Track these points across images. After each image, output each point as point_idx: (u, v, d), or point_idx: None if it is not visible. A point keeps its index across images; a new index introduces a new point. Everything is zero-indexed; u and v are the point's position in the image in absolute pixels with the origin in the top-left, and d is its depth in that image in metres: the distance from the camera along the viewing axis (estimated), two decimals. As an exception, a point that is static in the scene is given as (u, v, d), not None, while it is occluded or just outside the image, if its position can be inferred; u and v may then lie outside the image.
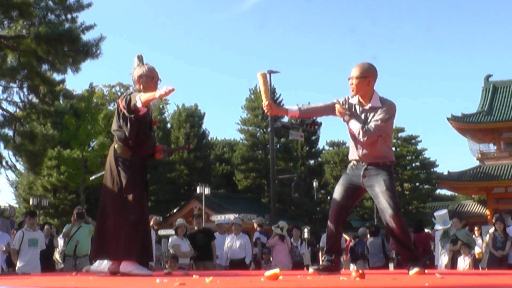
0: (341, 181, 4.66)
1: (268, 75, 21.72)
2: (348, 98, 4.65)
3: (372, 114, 4.48)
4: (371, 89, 4.54)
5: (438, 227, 11.21)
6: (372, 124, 4.41)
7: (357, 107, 4.57)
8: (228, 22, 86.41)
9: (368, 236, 12.63)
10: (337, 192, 4.63)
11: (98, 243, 4.78)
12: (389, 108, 4.47)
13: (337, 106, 4.61)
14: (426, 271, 4.34)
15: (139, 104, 4.47)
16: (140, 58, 4.93)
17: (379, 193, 4.41)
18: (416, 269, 4.26)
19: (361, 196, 4.69)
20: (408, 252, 4.43)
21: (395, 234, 4.41)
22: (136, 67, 4.90)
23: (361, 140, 4.44)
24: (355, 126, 4.47)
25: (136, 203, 4.65)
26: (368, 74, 4.51)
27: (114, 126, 4.80)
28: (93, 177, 5.87)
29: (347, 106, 4.62)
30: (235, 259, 10.73)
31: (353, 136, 4.56)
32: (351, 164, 4.64)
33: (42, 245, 9.45)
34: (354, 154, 4.62)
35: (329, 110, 4.68)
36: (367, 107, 4.53)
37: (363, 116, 4.52)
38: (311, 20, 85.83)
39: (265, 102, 4.58)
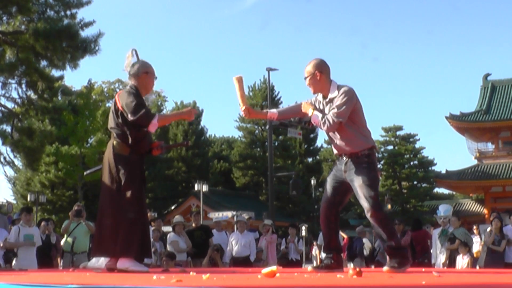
0: (328, 179, 4.71)
1: (263, 70, 21.50)
2: (317, 96, 4.71)
3: (331, 105, 4.50)
4: (325, 82, 4.56)
5: (440, 213, 11.32)
6: (330, 113, 4.42)
7: (323, 102, 4.61)
8: (229, 19, 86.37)
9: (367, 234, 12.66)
10: (325, 190, 4.70)
11: (97, 241, 4.78)
12: (343, 93, 4.43)
13: (303, 104, 4.65)
14: (404, 269, 4.30)
15: (153, 127, 4.64)
16: (136, 53, 4.92)
17: (357, 188, 4.42)
18: (386, 268, 4.27)
19: (349, 191, 4.62)
20: (388, 247, 4.41)
21: (375, 228, 4.42)
22: (136, 62, 4.88)
23: (324, 130, 4.48)
24: (316, 119, 4.50)
25: (135, 200, 4.65)
26: (313, 70, 4.56)
27: (111, 123, 4.78)
28: (88, 172, 5.86)
29: (316, 105, 4.66)
30: (239, 257, 10.70)
31: (327, 132, 4.59)
32: (336, 160, 4.69)
33: (38, 241, 9.44)
34: (334, 149, 4.67)
35: (302, 110, 4.74)
36: (327, 99, 4.56)
37: (326, 109, 4.54)
38: (312, 20, 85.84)
39: (242, 107, 4.62)
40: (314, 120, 4.52)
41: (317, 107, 4.66)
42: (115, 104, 4.74)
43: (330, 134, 4.55)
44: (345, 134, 4.47)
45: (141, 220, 4.72)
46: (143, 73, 4.84)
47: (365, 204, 4.36)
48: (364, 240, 12.69)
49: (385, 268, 4.27)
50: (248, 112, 4.66)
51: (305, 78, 4.61)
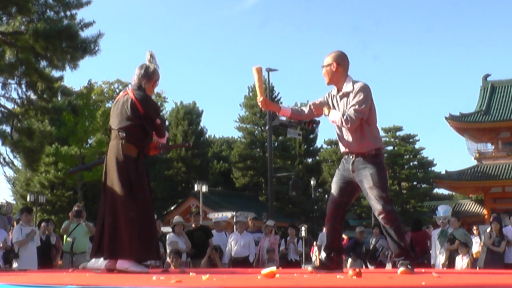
0: (335, 178, 4.67)
1: (263, 70, 21.71)
2: (331, 92, 4.69)
3: (347, 100, 4.47)
4: (341, 75, 4.54)
5: (439, 214, 11.34)
6: (350, 109, 4.38)
7: (337, 97, 4.59)
8: (229, 19, 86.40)
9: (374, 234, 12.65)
10: (332, 190, 4.65)
11: (109, 242, 4.64)
12: (361, 89, 4.41)
13: (324, 109, 4.62)
14: (414, 270, 4.28)
15: (165, 138, 4.91)
16: (154, 56, 4.91)
17: (367, 189, 4.38)
18: (402, 269, 4.22)
19: (356, 191, 4.60)
20: (398, 248, 4.37)
21: (386, 229, 4.39)
22: (154, 67, 4.87)
23: (347, 126, 4.41)
24: (336, 116, 4.45)
25: (146, 201, 4.67)
26: (331, 61, 4.55)
27: (121, 123, 4.70)
28: (72, 170, 5.86)
29: (330, 99, 4.64)
30: (238, 257, 10.68)
31: (338, 129, 4.57)
32: (342, 158, 4.66)
33: (37, 241, 9.44)
34: (342, 147, 4.64)
35: (314, 111, 4.73)
36: (341, 93, 4.54)
37: (341, 103, 4.52)
38: (312, 19, 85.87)
39: (259, 97, 4.64)
40: (333, 119, 4.47)
41: (331, 102, 4.63)
42: (134, 105, 4.66)
43: (343, 131, 4.51)
44: (357, 132, 4.43)
45: (152, 221, 4.76)
46: (156, 81, 4.87)
47: (376, 205, 4.33)
48: (372, 241, 12.66)
49: (402, 269, 4.23)
50: (265, 103, 4.66)
51: (322, 67, 4.60)
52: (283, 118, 18.72)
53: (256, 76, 4.65)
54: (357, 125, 4.38)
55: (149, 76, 4.83)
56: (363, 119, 4.36)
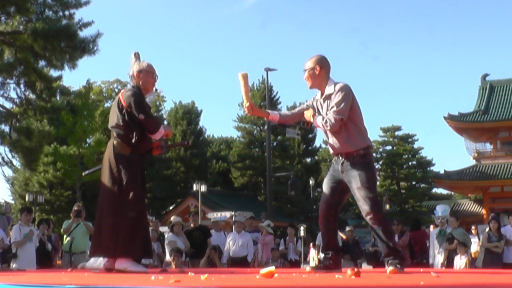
0: (325, 179, 4.70)
1: (262, 69, 21.49)
2: (315, 96, 4.71)
3: (329, 102, 4.49)
4: (324, 78, 4.57)
5: (438, 214, 11.36)
6: (329, 112, 4.41)
7: (320, 100, 4.61)
8: (229, 19, 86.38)
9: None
10: (324, 190, 4.69)
11: (97, 240, 4.73)
12: (340, 90, 4.42)
13: (305, 113, 4.64)
14: (404, 270, 4.31)
15: (159, 134, 4.75)
16: (137, 55, 4.92)
17: (355, 189, 4.41)
18: (391, 268, 4.24)
19: (347, 190, 4.60)
20: (387, 247, 4.39)
21: (374, 230, 4.42)
22: (134, 64, 4.89)
23: (327, 129, 4.43)
24: (318, 121, 4.47)
25: (137, 200, 4.65)
26: (313, 65, 4.57)
27: (113, 122, 4.74)
28: (87, 172, 5.85)
29: (314, 103, 4.67)
30: (236, 257, 10.68)
31: (324, 131, 4.57)
32: (333, 159, 4.69)
33: (36, 241, 9.43)
34: (330, 148, 4.66)
35: (305, 117, 4.73)
36: (324, 96, 4.56)
37: (324, 105, 4.54)
38: (312, 19, 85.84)
39: (245, 103, 4.64)
40: (317, 124, 4.48)
41: (315, 105, 4.65)
42: (119, 102, 4.71)
43: (329, 133, 4.52)
44: (343, 132, 4.44)
45: (142, 220, 4.73)
46: (137, 72, 4.83)
47: (364, 206, 4.34)
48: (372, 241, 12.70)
49: (390, 268, 4.24)
50: (251, 108, 4.67)
51: (304, 71, 4.61)
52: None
53: (242, 81, 4.67)
54: (338, 126, 4.40)
55: (132, 74, 4.84)
56: (343, 119, 4.37)
